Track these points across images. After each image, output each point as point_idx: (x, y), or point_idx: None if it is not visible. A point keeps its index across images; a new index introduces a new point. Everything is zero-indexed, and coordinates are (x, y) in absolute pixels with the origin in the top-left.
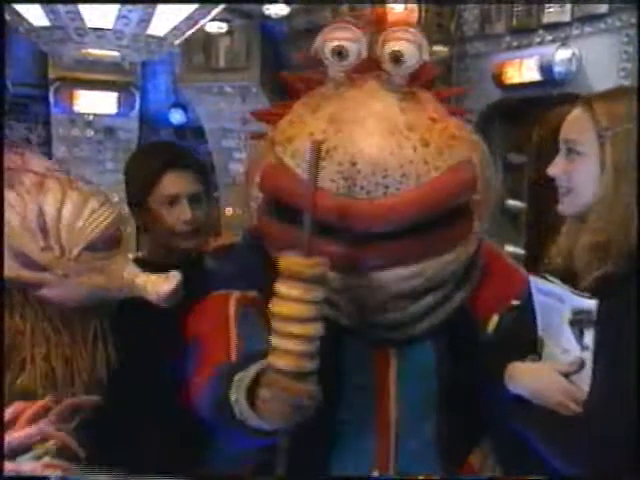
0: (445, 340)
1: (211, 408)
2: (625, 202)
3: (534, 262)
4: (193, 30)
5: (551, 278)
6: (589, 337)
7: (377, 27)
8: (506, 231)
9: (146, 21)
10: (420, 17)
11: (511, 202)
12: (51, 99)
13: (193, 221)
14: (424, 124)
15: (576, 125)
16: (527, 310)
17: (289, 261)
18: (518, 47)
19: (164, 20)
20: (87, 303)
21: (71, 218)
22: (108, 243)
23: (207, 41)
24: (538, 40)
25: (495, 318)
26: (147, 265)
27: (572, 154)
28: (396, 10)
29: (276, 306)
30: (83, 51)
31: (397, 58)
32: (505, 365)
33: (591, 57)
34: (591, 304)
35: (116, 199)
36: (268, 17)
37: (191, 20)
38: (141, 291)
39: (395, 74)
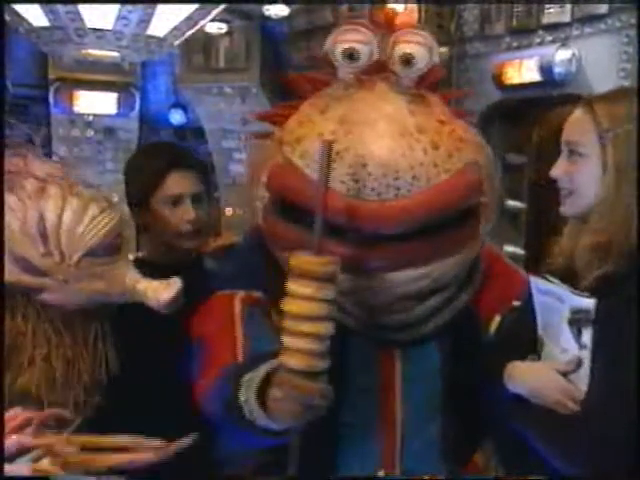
0: (449, 341)
1: (219, 409)
2: (626, 202)
3: (534, 262)
4: (193, 31)
5: (551, 278)
6: (587, 336)
7: (386, 29)
8: (506, 231)
9: (146, 21)
10: (420, 17)
11: (511, 202)
12: (51, 100)
13: (196, 221)
14: (433, 126)
15: (577, 127)
16: (527, 310)
17: (300, 259)
18: (518, 48)
19: (164, 21)
20: (88, 307)
21: (71, 224)
22: (109, 249)
23: (207, 42)
24: (538, 41)
25: (497, 319)
26: (147, 265)
27: (574, 156)
28: (397, 10)
29: (287, 305)
30: (83, 51)
31: (408, 60)
32: (506, 365)
33: (591, 58)
34: (589, 303)
35: (116, 199)
36: (268, 18)
37: (191, 21)
38: (142, 297)
39: (404, 76)
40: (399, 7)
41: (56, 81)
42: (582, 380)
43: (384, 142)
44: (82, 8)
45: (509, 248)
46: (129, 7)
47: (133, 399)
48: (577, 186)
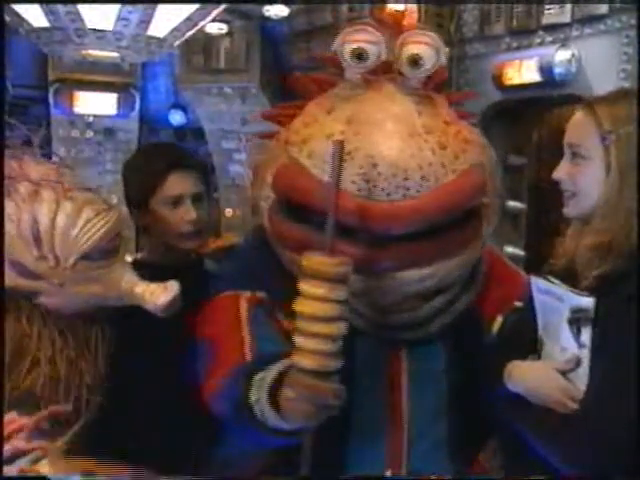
0: (454, 341)
1: (228, 409)
2: (628, 203)
3: (534, 263)
4: (193, 31)
5: (552, 279)
6: (586, 335)
7: (393, 29)
8: (506, 232)
9: (146, 22)
10: (420, 18)
11: (511, 203)
12: (51, 100)
13: (197, 221)
14: (440, 127)
15: (579, 129)
16: (529, 311)
17: (313, 260)
18: (518, 48)
19: (164, 21)
20: (86, 310)
21: (65, 228)
22: (105, 252)
23: (207, 42)
24: (538, 41)
25: (499, 319)
26: (147, 266)
27: (576, 158)
28: (403, 11)
29: (300, 305)
30: (83, 52)
31: (416, 61)
32: (506, 365)
33: (591, 58)
34: (589, 302)
35: (115, 200)
36: (268, 18)
37: (191, 21)
38: (139, 300)
39: (412, 77)
40: (399, 7)
41: (56, 82)
42: (581, 379)
43: (393, 142)
44: (82, 9)
45: (509, 249)
46: (129, 8)
47: (134, 400)
48: (580, 188)
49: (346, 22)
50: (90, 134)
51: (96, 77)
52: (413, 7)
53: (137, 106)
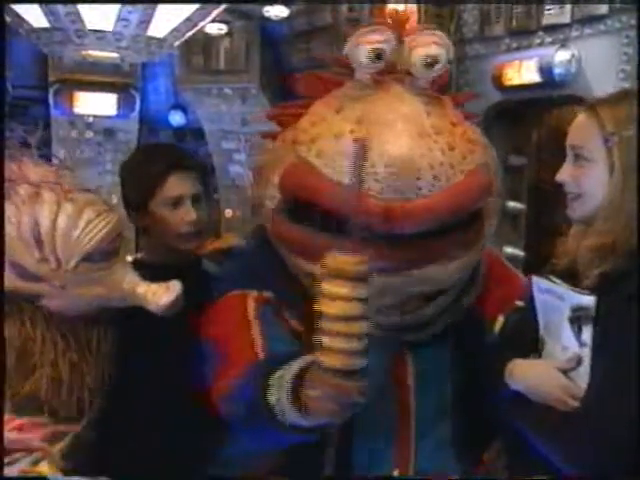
0: (458, 341)
1: (242, 409)
2: (630, 204)
3: (534, 264)
4: (193, 32)
5: (553, 278)
6: (587, 334)
7: (398, 29)
8: (505, 233)
9: (146, 22)
10: (419, 18)
11: (511, 204)
12: (51, 101)
13: (197, 222)
14: (447, 128)
15: (582, 131)
16: (529, 310)
17: (337, 260)
18: (518, 49)
19: (164, 21)
20: (88, 312)
21: (66, 229)
22: (106, 253)
23: (207, 43)
24: (538, 42)
25: (501, 319)
26: (147, 267)
27: (579, 160)
28: (408, 12)
29: (324, 305)
30: (83, 53)
31: (431, 62)
32: (507, 364)
33: (591, 58)
34: (590, 300)
35: (115, 201)
36: (268, 19)
37: (191, 22)
38: (142, 301)
39: (423, 78)
40: (399, 8)
41: (56, 82)
42: (582, 377)
43: (404, 142)
44: (82, 9)
45: (508, 249)
46: (129, 8)
47: (136, 401)
48: (584, 190)
49: (346, 23)
50: (90, 134)
51: (96, 78)
52: (413, 7)
53: (137, 107)
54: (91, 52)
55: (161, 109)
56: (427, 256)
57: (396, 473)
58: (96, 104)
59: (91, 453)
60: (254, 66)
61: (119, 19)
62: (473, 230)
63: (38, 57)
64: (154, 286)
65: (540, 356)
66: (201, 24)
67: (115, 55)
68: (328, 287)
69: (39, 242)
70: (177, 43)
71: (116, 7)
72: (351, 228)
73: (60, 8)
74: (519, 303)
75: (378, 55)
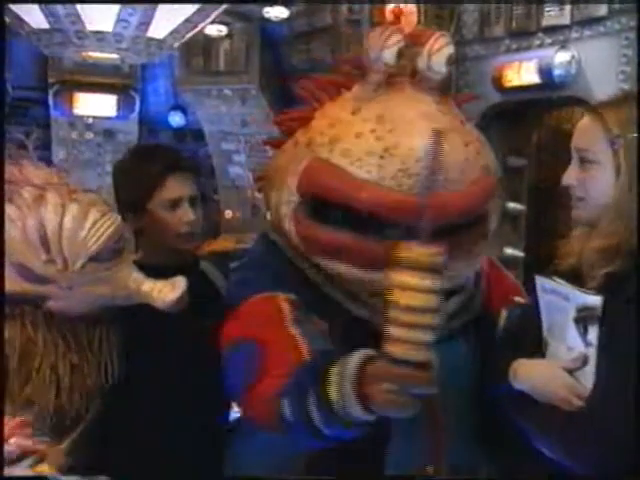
0: (475, 338)
1: (290, 408)
2: (636, 205)
3: (534, 265)
4: (193, 33)
5: (557, 279)
6: (593, 334)
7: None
8: (505, 234)
9: (146, 24)
10: (419, 19)
11: (511, 205)
12: (51, 102)
13: (195, 223)
14: (459, 127)
15: (587, 134)
16: (532, 308)
17: (413, 251)
18: (517, 50)
19: (164, 23)
20: (92, 312)
21: (72, 230)
22: (112, 252)
23: (207, 44)
24: (537, 43)
25: (504, 314)
26: (145, 268)
27: (585, 163)
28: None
29: (397, 296)
30: (83, 54)
31: (450, 62)
32: (512, 362)
33: (590, 60)
34: (595, 300)
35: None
36: (268, 20)
37: (191, 23)
38: (147, 298)
39: (430, 78)
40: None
41: (56, 83)
42: (587, 377)
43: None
44: (82, 10)
45: (508, 250)
46: (129, 9)
47: (137, 401)
48: (591, 193)
49: (346, 24)
50: (90, 136)
51: (96, 79)
52: (412, 8)
53: (137, 108)
54: (91, 53)
55: (161, 110)
56: (451, 251)
57: (430, 469)
58: (96, 105)
59: (91, 453)
60: (254, 67)
61: (119, 20)
62: (477, 229)
63: (38, 58)
64: (159, 283)
65: (544, 357)
66: (201, 25)
67: (115, 56)
68: (404, 277)
69: (45, 244)
70: (177, 44)
71: (116, 8)
72: (426, 217)
73: (60, 9)
74: (517, 299)
75: (401, 56)
